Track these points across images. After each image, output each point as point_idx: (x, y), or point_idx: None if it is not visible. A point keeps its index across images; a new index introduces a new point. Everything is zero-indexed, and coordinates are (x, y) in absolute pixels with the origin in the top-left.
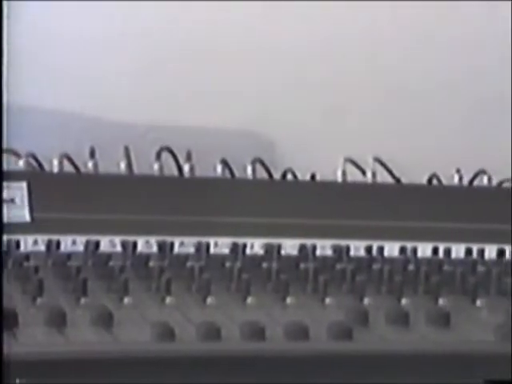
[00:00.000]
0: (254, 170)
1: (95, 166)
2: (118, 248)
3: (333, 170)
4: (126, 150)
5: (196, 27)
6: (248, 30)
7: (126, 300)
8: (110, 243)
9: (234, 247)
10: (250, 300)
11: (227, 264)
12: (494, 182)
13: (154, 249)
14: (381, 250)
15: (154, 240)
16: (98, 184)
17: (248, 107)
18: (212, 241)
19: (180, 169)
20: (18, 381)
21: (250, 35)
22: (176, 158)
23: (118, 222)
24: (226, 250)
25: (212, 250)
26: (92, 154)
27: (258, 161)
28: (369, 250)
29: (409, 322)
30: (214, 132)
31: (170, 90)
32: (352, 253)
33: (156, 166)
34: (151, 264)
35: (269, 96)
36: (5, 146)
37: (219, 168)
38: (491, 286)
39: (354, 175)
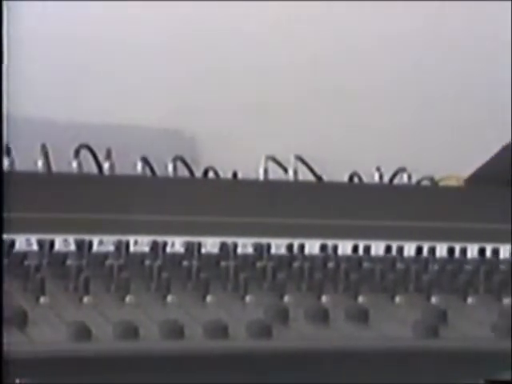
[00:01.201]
0: (174, 168)
1: (12, 164)
2: (35, 247)
3: (254, 168)
4: (43, 147)
5: (117, 25)
6: (169, 27)
7: (42, 299)
8: (26, 242)
9: (154, 245)
10: (169, 298)
11: (147, 262)
12: (414, 180)
13: (72, 247)
14: (301, 247)
15: (71, 238)
16: (14, 183)
17: (169, 104)
18: (132, 239)
19: (99, 167)
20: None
21: (172, 33)
22: (95, 156)
23: (34, 220)
24: (146, 249)
25: (132, 248)
26: (8, 152)
27: (179, 158)
28: (289, 247)
29: (328, 319)
30: (135, 129)
31: (88, 87)
32: (273, 251)
33: (74, 164)
34: (69, 263)
35: (190, 93)
36: None
37: (139, 166)
38: (410, 283)
39: (276, 173)
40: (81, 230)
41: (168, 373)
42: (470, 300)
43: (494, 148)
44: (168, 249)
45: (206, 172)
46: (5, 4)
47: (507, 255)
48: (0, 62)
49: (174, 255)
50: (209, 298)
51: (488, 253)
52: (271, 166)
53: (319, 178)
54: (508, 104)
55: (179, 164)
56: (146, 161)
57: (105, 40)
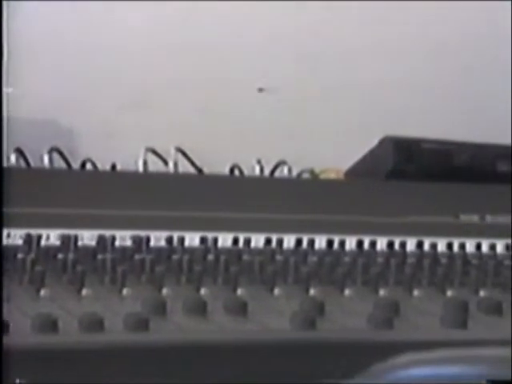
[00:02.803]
0: (50, 160)
1: None
2: None
3: (134, 160)
4: None
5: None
6: (49, 19)
7: None
8: None
9: (27, 239)
10: (43, 292)
11: (19, 256)
12: (294, 173)
13: None
14: (181, 240)
15: None
16: None
17: (45, 94)
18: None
19: None
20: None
21: (54, 25)
22: None
23: None
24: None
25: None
26: None
27: (55, 150)
28: (169, 240)
29: (206, 311)
30: (8, 120)
31: None
32: (152, 243)
33: None
34: None
35: (68, 83)
36: None
37: (13, 157)
38: (289, 275)
39: (156, 165)
40: None
41: (41, 366)
42: (347, 292)
43: (372, 142)
44: (43, 242)
45: (83, 164)
46: (5, 4)
47: (384, 247)
48: (0, 62)
49: (49, 248)
50: (84, 291)
51: (366, 245)
52: (151, 158)
53: (200, 171)
54: (382, 100)
55: (56, 155)
56: (20, 152)
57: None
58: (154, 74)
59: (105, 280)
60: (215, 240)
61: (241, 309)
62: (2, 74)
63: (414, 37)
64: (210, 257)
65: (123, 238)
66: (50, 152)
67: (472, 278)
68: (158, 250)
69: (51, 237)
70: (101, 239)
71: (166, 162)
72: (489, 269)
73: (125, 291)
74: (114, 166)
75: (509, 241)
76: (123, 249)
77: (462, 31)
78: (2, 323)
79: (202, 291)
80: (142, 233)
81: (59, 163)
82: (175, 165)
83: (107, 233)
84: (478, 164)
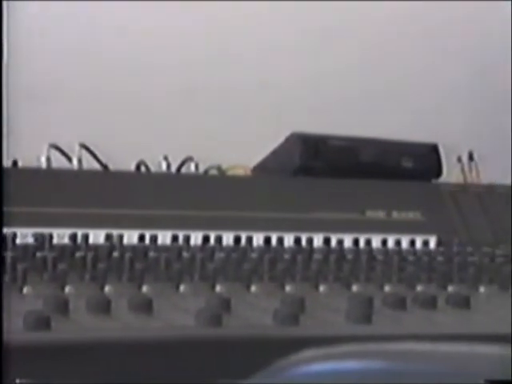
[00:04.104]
0: None
1: None
2: None
3: (36, 157)
4: None
5: None
6: None
7: None
8: None
9: None
10: None
11: None
12: (202, 169)
13: None
14: (85, 237)
15: None
16: None
17: None
18: None
19: None
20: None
21: None
22: None
23: None
24: None
25: None
26: None
27: None
28: (73, 237)
29: (110, 309)
30: None
31: None
32: (55, 241)
33: None
34: None
35: None
36: None
37: None
38: (195, 272)
39: (59, 162)
40: None
41: None
42: (253, 288)
43: (280, 138)
44: None
45: None
46: (5, 4)
47: (291, 244)
48: (0, 61)
49: None
50: None
51: (273, 241)
52: (54, 154)
53: (105, 167)
54: (290, 98)
55: None
56: None
57: None
58: (56, 68)
59: (5, 278)
60: (121, 237)
61: (145, 306)
62: (2, 74)
63: (323, 35)
64: (115, 254)
65: (24, 235)
66: None
67: (377, 273)
68: (62, 247)
69: None
70: (2, 237)
71: (69, 159)
72: (394, 264)
73: (25, 289)
74: (15, 163)
75: (414, 236)
76: (25, 246)
77: (362, 29)
78: (1, 321)
79: (107, 289)
80: (45, 230)
81: None
82: (79, 161)
83: (9, 231)
84: (383, 160)
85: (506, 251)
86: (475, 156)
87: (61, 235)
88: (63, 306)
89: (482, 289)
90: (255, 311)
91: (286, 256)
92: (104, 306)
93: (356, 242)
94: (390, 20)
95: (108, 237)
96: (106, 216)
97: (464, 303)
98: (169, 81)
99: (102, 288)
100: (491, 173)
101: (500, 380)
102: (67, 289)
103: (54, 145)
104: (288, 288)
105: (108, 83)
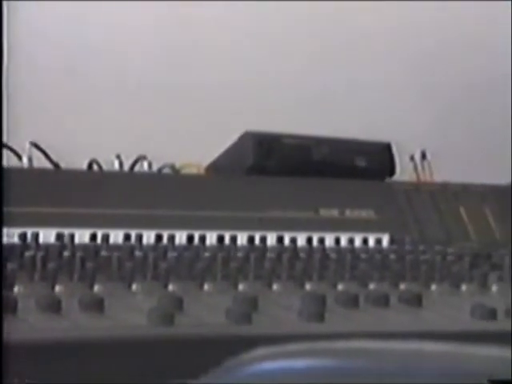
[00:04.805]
0: None
1: None
2: None
3: None
4: None
5: None
6: None
7: None
8: None
9: None
10: None
11: None
12: (155, 168)
13: None
14: (35, 236)
15: None
16: None
17: None
18: None
19: None
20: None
21: None
22: None
23: None
24: None
25: None
26: None
27: None
28: (23, 237)
29: (61, 308)
30: None
31: None
32: (5, 240)
33: None
34: None
35: None
36: None
37: None
38: (148, 271)
39: (10, 160)
40: None
41: None
42: (206, 287)
43: (232, 137)
44: None
45: None
46: (5, 4)
47: (245, 242)
48: (0, 61)
49: None
50: None
51: (226, 240)
52: (4, 153)
53: (56, 166)
54: (243, 97)
55: None
56: None
57: None
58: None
59: None
60: (72, 236)
61: (97, 305)
62: (2, 75)
63: (275, 34)
64: (66, 253)
65: None
66: None
67: (330, 271)
68: (11, 246)
69: None
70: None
71: (19, 157)
72: (347, 262)
73: None
74: None
75: (367, 235)
76: None
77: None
78: (1, 321)
79: (57, 288)
80: None
81: None
82: (30, 160)
83: None
84: (336, 159)
85: (457, 249)
86: (428, 155)
87: (10, 234)
88: (12, 307)
89: (433, 287)
90: (208, 310)
91: (239, 255)
92: (54, 306)
93: (309, 240)
94: (340, 18)
95: (59, 236)
96: (57, 215)
97: (416, 301)
98: (121, 79)
99: (53, 287)
100: (444, 171)
101: (500, 380)
102: (16, 289)
103: (5, 144)
104: (241, 287)
105: (58, 82)
